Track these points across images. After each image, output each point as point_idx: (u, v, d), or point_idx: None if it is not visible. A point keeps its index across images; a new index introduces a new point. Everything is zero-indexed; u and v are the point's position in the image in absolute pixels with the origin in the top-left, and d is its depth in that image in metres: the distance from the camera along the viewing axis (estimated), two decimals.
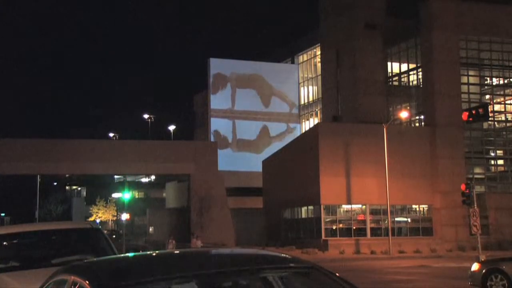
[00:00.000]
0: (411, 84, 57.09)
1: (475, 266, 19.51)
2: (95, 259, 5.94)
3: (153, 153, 54.51)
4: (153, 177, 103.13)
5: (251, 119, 72.15)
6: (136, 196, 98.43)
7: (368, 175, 47.17)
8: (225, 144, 70.28)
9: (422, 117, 54.63)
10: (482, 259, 21.75)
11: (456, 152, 49.82)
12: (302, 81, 74.85)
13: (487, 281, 18.59)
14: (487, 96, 54.83)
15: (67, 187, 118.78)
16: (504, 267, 18.61)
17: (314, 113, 72.07)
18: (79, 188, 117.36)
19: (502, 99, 55.75)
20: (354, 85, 56.29)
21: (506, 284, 18.20)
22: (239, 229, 54.75)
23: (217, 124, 71.10)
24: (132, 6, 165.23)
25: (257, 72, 73.27)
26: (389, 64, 58.12)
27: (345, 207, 49.15)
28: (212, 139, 68.84)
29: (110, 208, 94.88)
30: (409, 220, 50.34)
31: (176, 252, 5.39)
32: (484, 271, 18.85)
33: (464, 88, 52.09)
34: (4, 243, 9.67)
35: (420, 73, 54.31)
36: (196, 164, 55.21)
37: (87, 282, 4.10)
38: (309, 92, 73.99)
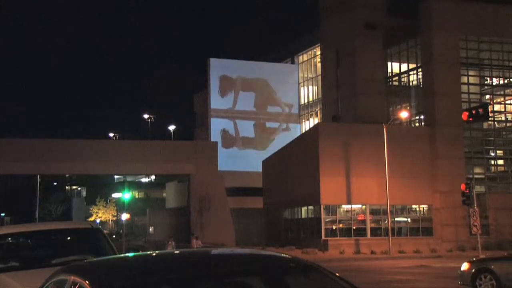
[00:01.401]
0: (411, 84, 57.07)
1: (464, 266, 19.54)
2: (95, 259, 5.94)
3: (153, 153, 54.50)
4: (153, 177, 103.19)
5: (251, 119, 72.16)
6: (136, 196, 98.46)
7: (368, 175, 47.17)
8: (231, 143, 70.56)
9: (422, 117, 54.62)
10: (472, 259, 21.93)
11: (456, 152, 49.80)
12: (302, 81, 74.85)
13: (476, 280, 18.64)
14: (487, 96, 54.81)
15: (67, 187, 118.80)
16: (493, 266, 18.62)
17: (314, 113, 72.07)
18: (79, 188, 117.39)
19: (502, 99, 55.73)
20: (354, 85, 56.30)
21: (495, 284, 18.23)
22: (239, 229, 54.75)
23: (218, 125, 71.04)
24: (132, 6, 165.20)
25: (257, 72, 73.29)
26: (389, 64, 58.11)
27: (345, 207, 49.15)
28: (218, 138, 68.88)
29: (110, 208, 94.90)
30: (409, 220, 50.33)
31: (175, 252, 5.40)
32: (473, 270, 18.91)
33: (464, 88, 52.07)
34: (4, 243, 9.67)
35: (420, 73, 54.30)
36: (196, 164, 55.20)
37: (87, 282, 4.10)
38: (309, 92, 73.99)
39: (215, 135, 69.22)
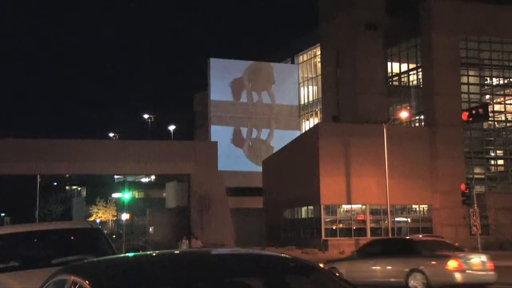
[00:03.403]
0: (411, 84, 57.10)
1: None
2: (95, 259, 5.94)
3: (153, 153, 54.50)
4: (153, 177, 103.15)
5: (251, 123, 72.19)
6: (136, 196, 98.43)
7: (368, 175, 47.16)
8: (241, 144, 71.01)
9: (422, 117, 54.64)
10: (326, 260, 23.56)
11: (456, 152, 49.81)
12: (302, 81, 74.87)
13: None
14: (487, 96, 54.83)
15: (67, 187, 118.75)
16: (336, 266, 20.93)
17: (314, 113, 72.09)
18: (79, 188, 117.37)
19: (502, 99, 55.75)
20: (354, 85, 56.29)
21: None
22: (239, 229, 54.77)
23: (218, 132, 70.99)
24: (132, 6, 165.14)
25: (257, 72, 73.38)
26: (389, 64, 58.11)
27: (345, 207, 49.16)
28: (229, 135, 69.03)
29: (110, 208, 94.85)
30: (409, 220, 50.34)
31: (176, 252, 5.39)
32: None
33: (464, 88, 52.09)
34: (4, 243, 9.66)
35: (420, 73, 54.31)
36: (196, 164, 55.20)
37: (87, 282, 4.10)
38: (309, 92, 74.01)
39: (217, 135, 68.74)
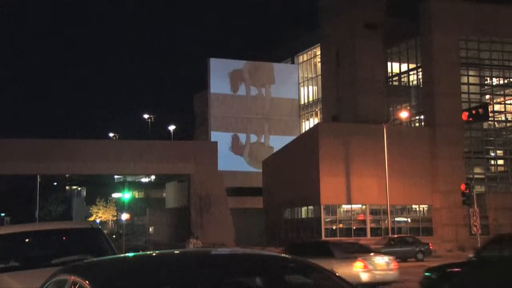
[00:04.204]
0: (411, 84, 57.09)
1: None
2: (95, 259, 5.94)
3: (153, 153, 54.46)
4: (153, 177, 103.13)
5: (251, 124, 72.14)
6: (136, 196, 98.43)
7: (368, 175, 47.16)
8: (240, 151, 70.90)
9: (422, 117, 54.63)
10: None
11: (456, 152, 49.80)
12: (302, 81, 74.82)
13: None
14: (487, 96, 54.83)
15: (67, 187, 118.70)
16: None
17: (314, 113, 72.05)
18: (79, 188, 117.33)
19: (502, 99, 55.74)
20: (354, 85, 56.30)
21: None
22: (239, 229, 54.75)
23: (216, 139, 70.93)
24: (132, 6, 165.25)
25: (257, 72, 73.36)
26: (389, 64, 58.11)
27: (345, 207, 49.15)
28: (228, 143, 68.89)
29: (110, 208, 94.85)
30: (409, 220, 50.34)
31: (175, 252, 5.40)
32: None
33: (464, 88, 52.09)
34: (4, 243, 9.66)
35: (420, 73, 54.30)
36: (196, 164, 55.14)
37: (87, 282, 4.10)
38: (309, 92, 73.96)
39: (223, 141, 68.13)
